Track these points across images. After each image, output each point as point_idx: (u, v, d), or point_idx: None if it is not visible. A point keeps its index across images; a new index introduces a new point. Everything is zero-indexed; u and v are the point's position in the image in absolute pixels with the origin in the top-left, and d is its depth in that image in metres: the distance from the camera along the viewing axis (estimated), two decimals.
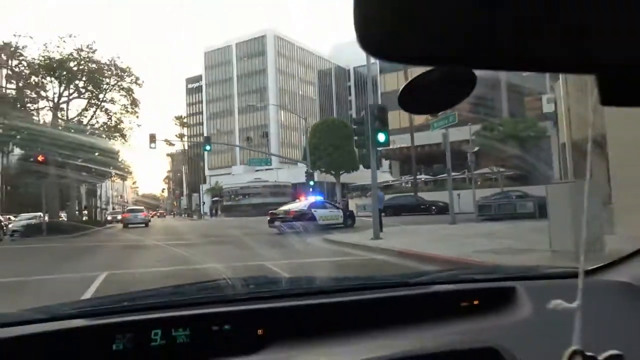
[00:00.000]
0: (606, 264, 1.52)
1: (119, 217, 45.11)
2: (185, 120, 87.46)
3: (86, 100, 29.12)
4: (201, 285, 1.73)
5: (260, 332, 1.21)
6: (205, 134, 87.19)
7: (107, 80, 28.59)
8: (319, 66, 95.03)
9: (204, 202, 69.11)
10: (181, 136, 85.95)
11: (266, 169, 74.04)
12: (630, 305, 1.36)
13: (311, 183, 35.55)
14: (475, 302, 1.40)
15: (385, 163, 62.46)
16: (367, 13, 0.38)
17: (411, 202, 30.06)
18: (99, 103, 29.01)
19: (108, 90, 28.86)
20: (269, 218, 20.48)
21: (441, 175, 35.28)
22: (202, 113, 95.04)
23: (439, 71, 0.57)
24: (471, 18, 0.37)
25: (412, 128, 36.34)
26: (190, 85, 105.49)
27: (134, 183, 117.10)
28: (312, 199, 22.62)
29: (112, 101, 29.41)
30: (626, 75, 0.42)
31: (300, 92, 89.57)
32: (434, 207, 28.35)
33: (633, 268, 1.45)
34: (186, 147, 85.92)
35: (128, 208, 43.82)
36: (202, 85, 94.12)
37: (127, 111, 29.58)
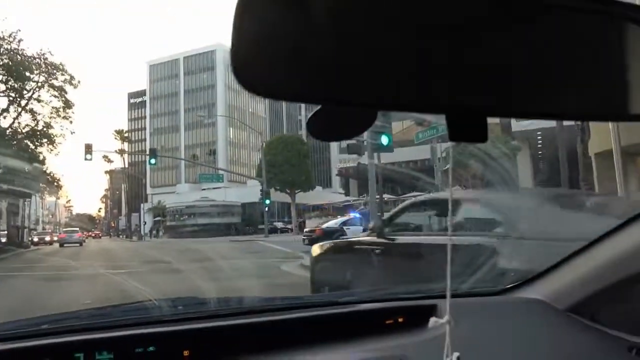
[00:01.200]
0: (522, 282, 1.56)
1: (47, 238, 41.50)
2: (127, 135, 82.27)
3: (6, 99, 24.47)
4: (126, 306, 1.69)
5: (186, 353, 1.19)
6: (148, 150, 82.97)
7: (34, 76, 24.31)
8: None
9: (145, 222, 64.34)
10: (122, 152, 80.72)
11: (213, 188, 70.55)
12: (538, 322, 1.40)
13: (267, 202, 32.98)
14: (400, 320, 1.43)
15: (336, 181, 60.71)
16: (244, 52, 0.42)
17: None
18: (24, 103, 24.57)
19: (35, 89, 24.60)
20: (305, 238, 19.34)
21: (406, 195, 33.76)
22: (145, 129, 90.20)
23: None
24: (338, 61, 0.42)
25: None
26: (132, 100, 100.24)
27: (68, 201, 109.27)
28: (348, 216, 21.64)
29: (39, 100, 25.00)
30: (471, 116, 0.50)
31: (250, 110, 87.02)
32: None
33: (544, 285, 1.49)
34: (126, 164, 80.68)
35: (64, 230, 47.37)
36: (145, 100, 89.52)
37: (59, 114, 25.38)
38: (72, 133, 27.14)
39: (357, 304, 1.54)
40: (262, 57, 0.42)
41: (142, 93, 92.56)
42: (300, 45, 0.42)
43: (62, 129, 26.57)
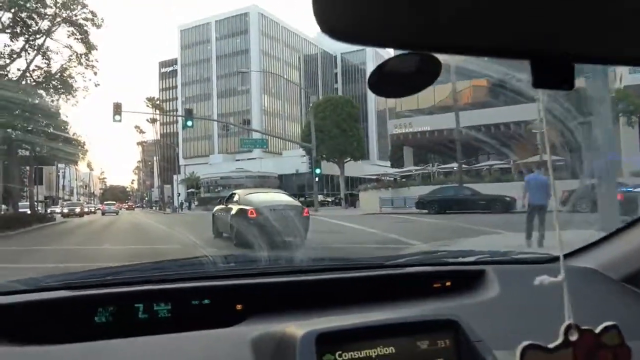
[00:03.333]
0: (575, 250, 1.56)
1: (78, 209, 38.86)
2: (158, 102, 79.21)
3: (10, 37, 19.75)
4: (183, 261, 1.76)
5: (238, 307, 1.25)
6: (180, 122, 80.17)
7: (47, 10, 19.59)
8: (304, 50, 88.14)
9: (179, 194, 61.58)
10: (153, 121, 77.88)
11: (248, 159, 67.26)
12: (592, 290, 1.39)
13: (317, 171, 28.98)
14: (447, 284, 1.45)
15: (373, 154, 55.91)
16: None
17: (463, 196, 22.76)
18: (35, 42, 19.87)
19: (52, 28, 19.94)
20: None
21: (479, 165, 29.19)
22: (177, 99, 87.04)
23: (406, 57, 0.59)
24: (429, 8, 0.41)
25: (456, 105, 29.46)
26: (163, 70, 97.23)
27: (101, 173, 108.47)
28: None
29: (53, 40, 20.39)
30: (556, 61, 0.48)
31: (285, 76, 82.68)
32: (497, 203, 21.92)
33: (598, 255, 1.50)
34: (158, 135, 77.91)
35: (105, 203, 55.06)
36: (176, 70, 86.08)
37: (80, 61, 20.76)
38: (96, 85, 23.36)
39: (405, 267, 1.56)
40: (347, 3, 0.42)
41: (173, 62, 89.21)
42: None
43: (84, 79, 22.90)
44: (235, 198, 12.06)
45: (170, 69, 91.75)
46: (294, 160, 64.97)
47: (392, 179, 32.90)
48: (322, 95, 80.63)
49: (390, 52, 0.88)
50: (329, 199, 43.48)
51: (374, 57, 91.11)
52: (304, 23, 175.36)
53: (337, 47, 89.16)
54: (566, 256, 1.49)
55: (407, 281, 1.47)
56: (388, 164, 60.22)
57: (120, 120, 23.25)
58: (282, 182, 61.81)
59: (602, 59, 0.49)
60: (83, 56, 20.83)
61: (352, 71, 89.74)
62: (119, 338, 1.08)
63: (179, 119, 78.28)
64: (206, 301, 1.23)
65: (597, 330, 0.69)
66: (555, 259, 1.54)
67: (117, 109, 23.41)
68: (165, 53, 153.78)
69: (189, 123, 26.31)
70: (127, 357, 1.05)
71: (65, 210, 38.35)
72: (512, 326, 1.16)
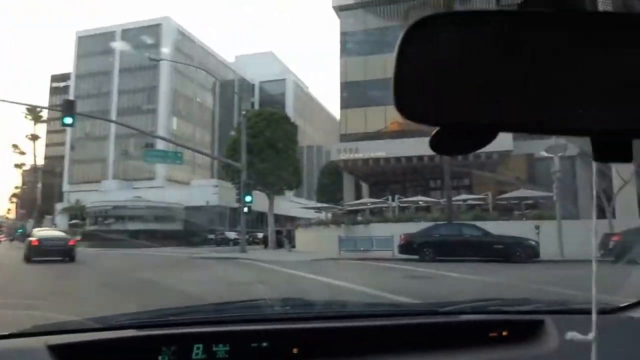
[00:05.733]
0: (635, 302, 1.49)
1: None
2: (41, 116, 66.77)
3: None
4: (241, 304, 1.81)
5: (295, 350, 1.25)
6: (68, 141, 68.33)
7: None
8: (221, 74, 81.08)
9: (55, 225, 50.06)
10: (34, 138, 65.32)
11: (149, 187, 57.63)
12: None
13: (248, 199, 21.72)
14: (504, 334, 1.40)
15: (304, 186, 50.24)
16: (405, 79, 0.46)
17: (473, 238, 16.75)
18: None
19: None
20: None
21: (463, 197, 23.78)
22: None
23: None
24: (497, 91, 0.46)
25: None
26: (55, 84, 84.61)
27: None
28: None
29: None
30: (615, 138, 0.52)
31: (198, 100, 74.61)
32: (518, 249, 16.05)
33: None
34: (38, 157, 65.22)
35: None
36: (69, 85, 74.37)
37: None
38: None
39: (460, 314, 1.52)
40: (425, 85, 0.47)
41: (67, 77, 77.40)
42: (462, 72, 0.46)
43: None
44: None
45: (64, 83, 79.74)
46: (204, 191, 56.70)
47: (341, 212, 26.57)
48: (235, 124, 73.49)
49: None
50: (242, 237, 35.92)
51: (293, 88, 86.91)
52: (221, 46, 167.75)
53: (256, 75, 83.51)
54: (631, 307, 1.47)
55: (461, 329, 1.43)
56: (308, 201, 54.28)
57: None
58: (189, 215, 53.29)
59: None
60: None
61: (271, 101, 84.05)
62: None
63: (67, 140, 67.05)
64: (265, 344, 1.25)
65: None
66: (620, 309, 1.51)
67: None
68: (60, 66, 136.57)
69: (68, 120, 18.13)
70: None
71: None
72: None
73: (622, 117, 0.48)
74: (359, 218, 23.96)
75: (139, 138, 64.76)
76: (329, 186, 36.96)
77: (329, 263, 16.41)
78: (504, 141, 25.18)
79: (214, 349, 1.21)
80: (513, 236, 16.26)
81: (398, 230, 18.92)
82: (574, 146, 18.28)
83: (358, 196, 30.86)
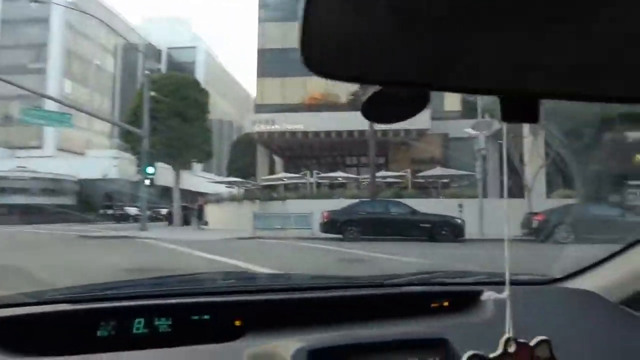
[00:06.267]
0: (572, 273, 1.57)
1: None
2: None
3: None
4: (183, 277, 1.82)
5: (237, 322, 1.25)
6: None
7: None
8: (125, 36, 74.36)
9: None
10: None
11: (36, 157, 51.38)
12: (590, 313, 1.41)
13: (150, 171, 19.23)
14: (445, 304, 1.45)
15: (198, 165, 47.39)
16: (314, 34, 0.43)
17: (399, 216, 15.76)
18: None
19: None
20: None
21: (382, 174, 23.00)
22: None
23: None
24: (408, 46, 0.45)
25: None
26: None
27: None
28: None
29: None
30: (522, 99, 0.54)
31: (97, 62, 67.81)
32: (445, 228, 15.29)
33: (596, 277, 1.50)
34: None
35: None
36: None
37: None
38: None
39: (404, 287, 1.56)
40: (331, 41, 0.44)
41: None
42: (367, 30, 0.44)
43: None
44: None
45: None
46: (102, 163, 51.66)
47: (256, 188, 24.72)
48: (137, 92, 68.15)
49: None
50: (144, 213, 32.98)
51: (204, 57, 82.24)
52: (126, 7, 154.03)
53: (164, 41, 77.87)
54: (566, 278, 1.57)
55: (405, 300, 1.47)
56: (217, 177, 51.39)
57: None
58: (83, 189, 48.27)
59: (567, 95, 0.52)
60: None
61: (179, 70, 78.88)
62: (120, 351, 1.11)
63: None
64: (206, 316, 1.25)
65: (532, 343, 0.76)
66: (556, 280, 1.60)
67: None
68: None
69: None
70: None
71: None
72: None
73: (529, 78, 0.49)
74: (275, 195, 22.37)
75: (24, 100, 57.55)
76: (241, 159, 34.83)
77: (244, 243, 14.80)
78: (422, 119, 24.98)
79: (155, 322, 1.19)
80: (440, 214, 15.69)
81: (317, 208, 17.71)
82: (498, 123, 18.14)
83: (272, 172, 29.28)
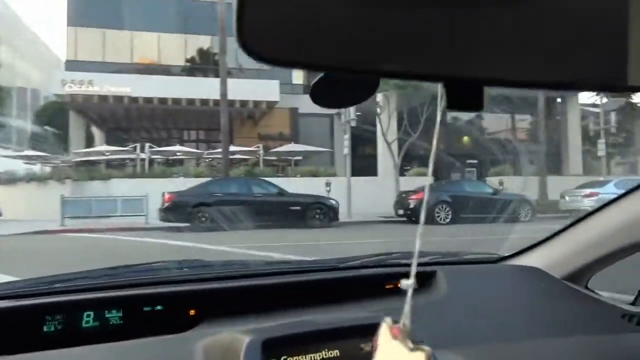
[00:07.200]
0: (519, 250, 1.63)
1: None
2: None
3: None
4: (135, 267, 1.72)
5: (192, 312, 1.24)
6: None
7: None
8: None
9: None
10: None
11: None
12: (535, 289, 1.48)
13: None
14: (399, 285, 1.46)
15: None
16: (251, 18, 0.41)
17: (263, 197, 13.31)
18: None
19: None
20: None
21: (231, 149, 19.66)
22: None
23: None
24: (352, 30, 0.44)
25: None
26: None
27: None
28: None
29: None
30: (467, 85, 0.52)
31: None
32: (318, 210, 12.90)
33: (542, 254, 1.57)
34: None
35: None
36: None
37: None
38: None
39: (359, 269, 1.58)
40: (270, 23, 0.43)
41: None
42: (308, 12, 0.42)
43: None
44: None
45: None
46: None
47: (67, 165, 19.30)
48: None
49: None
50: None
51: None
52: None
53: None
54: (513, 256, 1.63)
55: (360, 283, 1.48)
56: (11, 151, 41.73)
57: None
58: None
59: (510, 82, 0.52)
60: None
61: None
62: (69, 347, 1.07)
63: None
64: (159, 307, 1.22)
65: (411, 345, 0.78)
66: (503, 258, 1.66)
67: None
68: None
69: None
70: None
71: None
72: (457, 325, 1.25)
73: (473, 64, 0.49)
74: (94, 174, 17.59)
75: None
76: (48, 126, 28.06)
77: (40, 240, 10.46)
78: (271, 90, 22.49)
79: (106, 315, 1.16)
80: (312, 194, 13.45)
81: (152, 189, 14.01)
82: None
83: (90, 146, 23.90)
